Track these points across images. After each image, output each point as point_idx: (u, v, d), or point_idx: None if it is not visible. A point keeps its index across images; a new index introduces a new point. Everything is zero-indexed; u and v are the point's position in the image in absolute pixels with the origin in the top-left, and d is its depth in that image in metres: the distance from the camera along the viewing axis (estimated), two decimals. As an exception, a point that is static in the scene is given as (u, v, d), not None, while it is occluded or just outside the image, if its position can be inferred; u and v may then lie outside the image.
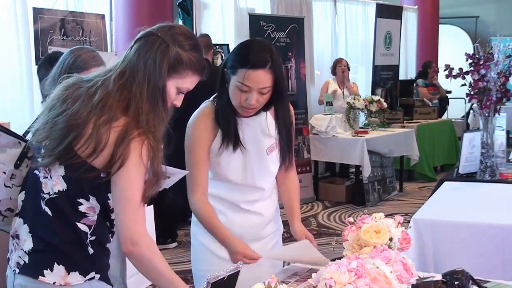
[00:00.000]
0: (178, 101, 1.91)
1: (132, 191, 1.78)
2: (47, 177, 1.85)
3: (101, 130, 1.74)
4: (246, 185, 2.44)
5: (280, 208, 2.61)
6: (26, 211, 1.91)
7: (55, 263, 1.83)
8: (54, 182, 1.84)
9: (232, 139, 2.35)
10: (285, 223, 2.61)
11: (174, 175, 2.22)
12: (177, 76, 1.85)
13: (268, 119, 2.43)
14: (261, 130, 2.42)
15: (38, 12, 5.40)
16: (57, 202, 1.84)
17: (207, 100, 2.43)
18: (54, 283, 1.83)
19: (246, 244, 2.32)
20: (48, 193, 1.85)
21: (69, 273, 1.84)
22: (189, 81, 1.89)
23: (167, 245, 5.78)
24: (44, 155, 1.82)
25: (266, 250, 2.49)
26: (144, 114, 1.78)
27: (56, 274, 1.83)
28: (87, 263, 1.86)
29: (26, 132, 2.24)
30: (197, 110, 2.41)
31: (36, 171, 1.89)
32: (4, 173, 2.01)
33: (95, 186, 1.81)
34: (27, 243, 1.86)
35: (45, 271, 1.83)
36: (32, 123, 2.22)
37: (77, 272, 1.85)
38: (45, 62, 3.66)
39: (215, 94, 2.40)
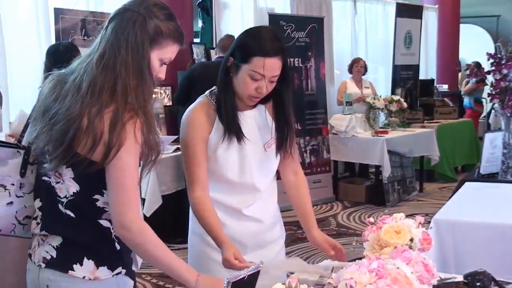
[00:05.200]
0: (162, 73, 1.91)
1: (128, 179, 1.78)
2: (59, 182, 1.85)
3: (95, 122, 1.74)
4: (243, 184, 2.38)
5: (286, 211, 2.47)
6: (47, 218, 1.91)
7: (85, 257, 1.85)
8: (67, 186, 1.84)
9: (235, 132, 2.30)
10: (298, 224, 2.50)
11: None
12: (159, 47, 1.84)
13: (266, 114, 2.41)
14: (258, 125, 2.38)
15: (59, 13, 5.45)
16: (76, 203, 1.85)
17: (201, 96, 2.40)
18: (83, 277, 1.85)
19: (238, 250, 2.15)
20: (65, 197, 1.85)
21: (98, 268, 1.86)
22: (170, 51, 1.88)
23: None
24: (49, 159, 1.82)
25: (274, 260, 2.36)
26: (133, 90, 1.77)
27: (86, 268, 1.85)
28: (115, 258, 1.87)
29: (19, 141, 2.22)
30: (191, 105, 2.39)
31: (45, 177, 1.89)
32: (13, 184, 2.00)
33: (104, 179, 1.80)
34: (56, 239, 1.88)
35: (74, 266, 1.84)
36: (24, 128, 2.22)
37: (105, 267, 1.87)
38: (53, 52, 3.64)
39: (212, 88, 2.37)
